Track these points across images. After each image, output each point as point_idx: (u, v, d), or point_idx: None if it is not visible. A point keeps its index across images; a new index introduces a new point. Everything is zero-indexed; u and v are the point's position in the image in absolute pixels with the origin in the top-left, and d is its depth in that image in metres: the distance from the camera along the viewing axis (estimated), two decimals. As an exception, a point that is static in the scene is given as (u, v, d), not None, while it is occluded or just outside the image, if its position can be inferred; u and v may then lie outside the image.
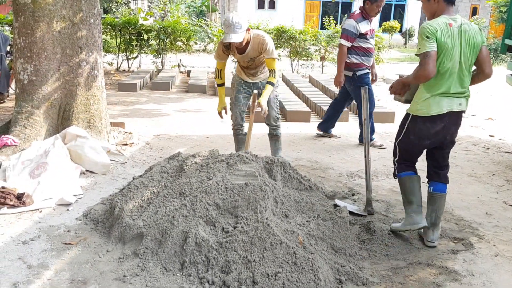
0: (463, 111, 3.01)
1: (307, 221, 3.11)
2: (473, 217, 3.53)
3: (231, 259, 2.54)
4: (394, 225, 3.17)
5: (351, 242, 2.96)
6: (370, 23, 5.14)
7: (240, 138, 4.54)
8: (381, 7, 5.07)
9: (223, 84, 4.38)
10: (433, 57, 2.82)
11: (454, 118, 3.00)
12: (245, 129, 4.44)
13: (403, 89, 3.09)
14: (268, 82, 4.14)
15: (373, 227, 3.09)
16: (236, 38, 3.82)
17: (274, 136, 4.55)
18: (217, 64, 4.31)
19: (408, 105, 3.12)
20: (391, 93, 3.21)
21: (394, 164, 3.29)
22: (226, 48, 4.12)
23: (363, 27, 5.06)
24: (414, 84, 3.03)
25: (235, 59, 4.45)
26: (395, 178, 3.31)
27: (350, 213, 3.34)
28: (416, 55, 2.91)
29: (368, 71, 5.23)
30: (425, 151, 3.26)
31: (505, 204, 3.83)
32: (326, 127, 5.78)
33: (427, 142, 3.06)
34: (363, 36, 5.08)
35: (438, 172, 3.22)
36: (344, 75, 5.22)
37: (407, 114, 3.10)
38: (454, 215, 3.54)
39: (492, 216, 3.58)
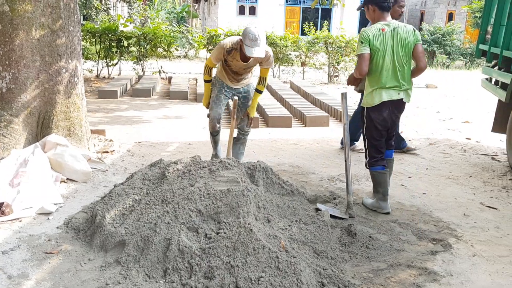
0: (403, 100, 3.62)
1: (289, 225, 3.13)
2: (451, 218, 3.61)
3: (214, 265, 2.55)
4: (365, 200, 3.82)
5: (333, 245, 3.00)
6: None
7: (217, 139, 4.62)
8: (403, 8, 4.76)
9: (210, 81, 4.48)
10: (366, 58, 3.49)
11: (396, 105, 3.62)
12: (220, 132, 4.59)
13: (354, 82, 3.84)
14: (257, 90, 4.36)
15: (354, 230, 3.14)
16: (259, 52, 3.91)
17: (241, 140, 4.66)
18: (210, 63, 4.31)
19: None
20: (347, 84, 3.93)
21: (366, 158, 3.78)
22: (228, 53, 4.16)
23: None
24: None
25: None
26: (366, 168, 3.80)
27: (332, 216, 3.38)
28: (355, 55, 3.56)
29: None
30: None
31: (481, 205, 3.92)
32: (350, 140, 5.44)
33: (383, 126, 3.64)
34: None
35: (387, 143, 3.80)
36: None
37: (362, 108, 3.74)
38: (432, 217, 3.62)
39: (470, 217, 3.66)
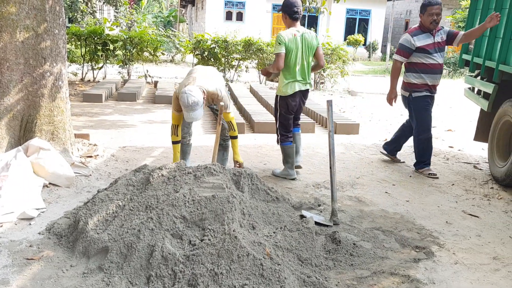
0: (308, 90, 4.63)
1: (274, 232, 3.13)
2: (434, 226, 3.65)
3: (198, 272, 2.54)
4: (274, 171, 4.72)
5: (317, 252, 3.01)
6: (434, 36, 4.75)
7: (184, 148, 4.55)
8: (436, 16, 4.65)
9: (179, 142, 4.29)
10: (282, 57, 4.34)
11: (304, 93, 4.61)
12: (191, 140, 4.65)
13: (268, 74, 4.73)
14: (232, 137, 4.34)
15: (338, 237, 3.15)
16: (197, 115, 3.89)
17: (224, 146, 4.64)
18: (174, 118, 4.19)
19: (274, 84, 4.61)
20: (262, 75, 5.11)
21: (277, 136, 4.67)
22: None
23: (421, 40, 4.74)
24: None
25: None
26: (278, 144, 4.70)
27: (316, 223, 3.40)
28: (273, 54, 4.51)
29: (427, 93, 4.87)
30: None
31: (464, 213, 3.97)
32: (391, 149, 5.41)
33: (293, 111, 4.58)
34: (422, 50, 4.75)
35: (295, 122, 4.73)
36: (402, 95, 5.05)
37: (277, 96, 4.60)
38: (415, 224, 3.65)
39: (452, 225, 3.71)
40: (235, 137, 4.34)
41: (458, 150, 6.21)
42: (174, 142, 4.27)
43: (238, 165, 4.30)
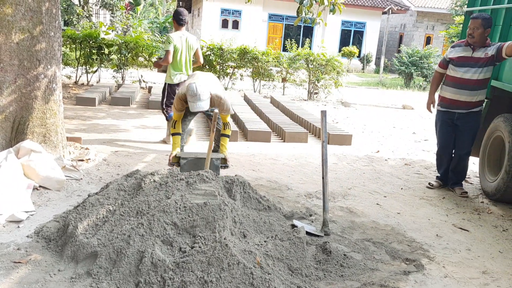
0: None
1: (265, 241, 3.12)
2: (424, 239, 3.66)
3: (188, 280, 2.52)
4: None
5: (308, 262, 3.00)
6: (474, 50, 4.56)
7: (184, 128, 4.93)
8: (473, 30, 4.50)
9: (178, 134, 4.63)
10: (170, 53, 5.65)
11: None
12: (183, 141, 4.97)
13: (159, 66, 6.20)
14: (223, 135, 4.71)
15: (329, 248, 3.14)
16: (203, 106, 4.27)
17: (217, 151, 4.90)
18: (175, 115, 4.59)
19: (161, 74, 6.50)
20: (154, 66, 6.63)
21: (165, 113, 5.92)
22: (185, 102, 4.42)
23: (453, 52, 4.69)
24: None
25: None
26: (167, 120, 5.92)
27: (307, 233, 3.39)
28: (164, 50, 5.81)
29: (443, 108, 4.81)
30: None
31: (454, 226, 3.99)
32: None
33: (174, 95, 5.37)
34: (452, 62, 4.69)
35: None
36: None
37: (165, 83, 5.90)
38: (406, 237, 3.66)
39: (442, 238, 3.72)
40: (227, 136, 4.71)
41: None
42: (173, 134, 4.61)
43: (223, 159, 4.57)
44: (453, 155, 4.96)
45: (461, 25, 18.69)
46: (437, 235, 3.77)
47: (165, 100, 5.92)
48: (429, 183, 5.05)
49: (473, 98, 4.63)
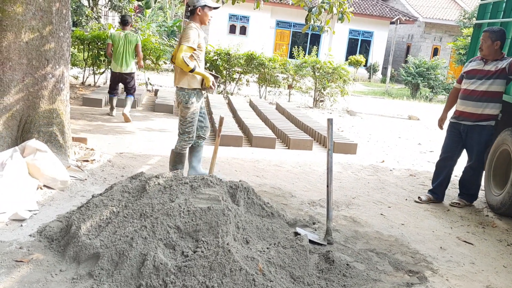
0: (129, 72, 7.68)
1: (267, 248, 3.11)
2: (428, 251, 3.63)
3: (189, 284, 2.51)
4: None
5: (310, 271, 2.98)
6: (485, 63, 4.57)
7: (197, 151, 4.62)
8: (481, 43, 4.55)
9: (194, 68, 4.18)
10: (110, 46, 7.57)
11: (125, 74, 7.67)
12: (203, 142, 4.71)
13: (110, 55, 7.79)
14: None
15: (332, 257, 3.12)
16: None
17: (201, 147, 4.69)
18: (188, 49, 4.14)
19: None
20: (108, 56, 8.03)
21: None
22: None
23: (468, 67, 4.72)
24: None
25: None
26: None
27: (310, 241, 3.37)
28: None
29: (453, 120, 4.79)
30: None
31: (458, 239, 3.96)
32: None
33: (114, 82, 7.87)
34: (466, 75, 4.70)
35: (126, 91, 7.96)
36: None
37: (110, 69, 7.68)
38: (410, 248, 3.63)
39: (446, 251, 3.69)
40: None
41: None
42: (192, 71, 4.16)
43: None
44: (452, 169, 4.93)
45: (469, 38, 18.76)
46: (441, 247, 3.74)
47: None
48: (418, 197, 4.90)
49: (478, 110, 4.59)
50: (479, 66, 4.62)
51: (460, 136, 4.75)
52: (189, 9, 4.33)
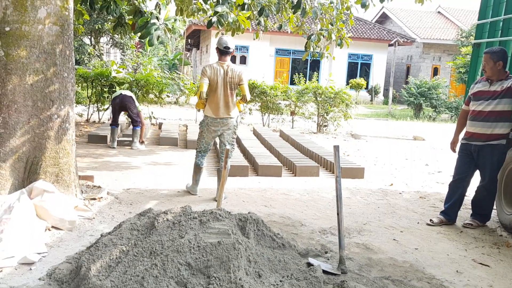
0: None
1: (280, 281, 3.05)
2: (444, 275, 3.55)
3: (203, 323, 2.45)
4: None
5: (325, 303, 2.91)
6: (490, 83, 4.57)
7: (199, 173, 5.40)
8: (484, 65, 4.57)
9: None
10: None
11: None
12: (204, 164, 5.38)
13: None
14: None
15: (347, 287, 3.05)
16: (229, 42, 5.15)
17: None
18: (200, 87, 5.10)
19: None
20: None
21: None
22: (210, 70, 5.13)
23: (474, 88, 4.72)
24: None
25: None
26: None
27: (324, 272, 3.30)
28: None
29: (463, 141, 4.79)
30: None
31: (474, 262, 3.88)
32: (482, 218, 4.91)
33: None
34: (473, 97, 4.71)
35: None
36: None
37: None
38: (425, 274, 3.55)
39: (463, 274, 3.61)
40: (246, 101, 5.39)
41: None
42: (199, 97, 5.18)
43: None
44: (466, 190, 4.88)
45: (468, 56, 18.90)
46: (457, 271, 3.66)
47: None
48: (430, 220, 4.85)
49: (488, 130, 4.57)
50: (485, 88, 4.62)
51: (471, 156, 4.72)
52: (230, 50, 5.21)
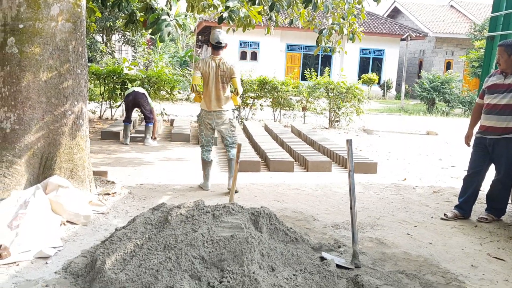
0: None
1: (294, 274, 3.05)
2: (459, 270, 3.52)
3: (217, 316, 2.46)
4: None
5: (339, 296, 2.90)
6: (505, 76, 4.50)
7: (207, 167, 5.45)
8: (498, 58, 4.51)
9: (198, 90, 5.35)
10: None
11: None
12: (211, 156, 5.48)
13: None
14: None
15: (361, 281, 3.04)
16: (222, 37, 5.21)
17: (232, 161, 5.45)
18: (194, 80, 5.28)
19: None
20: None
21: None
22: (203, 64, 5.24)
23: (489, 82, 4.64)
24: None
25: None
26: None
27: (337, 266, 3.29)
28: None
29: (477, 135, 4.72)
30: None
31: (489, 256, 3.84)
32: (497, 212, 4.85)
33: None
34: (488, 90, 4.64)
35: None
36: None
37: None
38: (440, 268, 3.53)
39: (478, 268, 3.57)
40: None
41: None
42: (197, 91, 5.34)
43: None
44: (480, 184, 4.82)
45: (481, 50, 18.65)
46: (472, 265, 3.63)
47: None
48: (444, 214, 4.81)
49: (503, 123, 4.50)
50: (500, 81, 4.55)
51: (486, 150, 4.65)
52: (222, 45, 5.26)
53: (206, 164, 5.41)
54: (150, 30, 5.61)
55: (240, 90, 5.34)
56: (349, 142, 3.59)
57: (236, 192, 5.06)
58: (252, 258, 2.89)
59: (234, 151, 5.38)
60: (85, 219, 4.04)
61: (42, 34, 4.30)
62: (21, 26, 4.25)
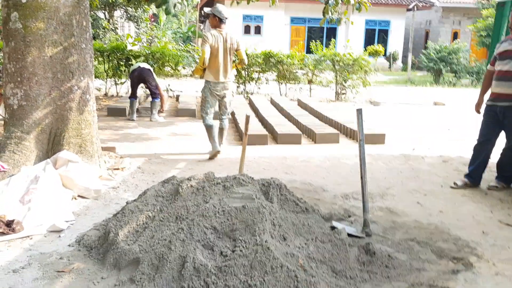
0: None
1: (305, 243, 3.06)
2: (470, 237, 3.52)
3: (231, 284, 2.48)
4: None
5: (351, 264, 2.92)
6: None
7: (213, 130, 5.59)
8: (510, 24, 4.47)
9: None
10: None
11: None
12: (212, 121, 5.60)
13: None
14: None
15: (373, 249, 3.06)
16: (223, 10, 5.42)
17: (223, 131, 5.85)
18: (203, 55, 5.27)
19: None
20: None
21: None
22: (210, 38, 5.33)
23: (500, 48, 4.54)
24: None
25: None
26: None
27: (348, 235, 3.30)
28: None
29: (490, 103, 4.61)
30: None
31: (500, 223, 3.83)
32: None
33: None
34: (497, 57, 4.56)
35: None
36: None
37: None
38: (451, 235, 3.53)
39: (489, 235, 3.57)
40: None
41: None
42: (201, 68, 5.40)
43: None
44: (490, 152, 4.75)
45: (489, 19, 18.29)
46: (483, 232, 3.63)
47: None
48: (454, 183, 4.79)
49: None
50: (511, 46, 4.44)
51: (497, 118, 4.59)
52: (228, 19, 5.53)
53: (211, 128, 5.58)
54: (154, 3, 5.53)
55: (246, 60, 5.62)
56: (359, 111, 3.55)
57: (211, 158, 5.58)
58: (263, 228, 2.90)
59: (227, 122, 5.81)
60: (96, 193, 4.07)
61: (45, 9, 4.24)
62: (24, 0, 4.19)
